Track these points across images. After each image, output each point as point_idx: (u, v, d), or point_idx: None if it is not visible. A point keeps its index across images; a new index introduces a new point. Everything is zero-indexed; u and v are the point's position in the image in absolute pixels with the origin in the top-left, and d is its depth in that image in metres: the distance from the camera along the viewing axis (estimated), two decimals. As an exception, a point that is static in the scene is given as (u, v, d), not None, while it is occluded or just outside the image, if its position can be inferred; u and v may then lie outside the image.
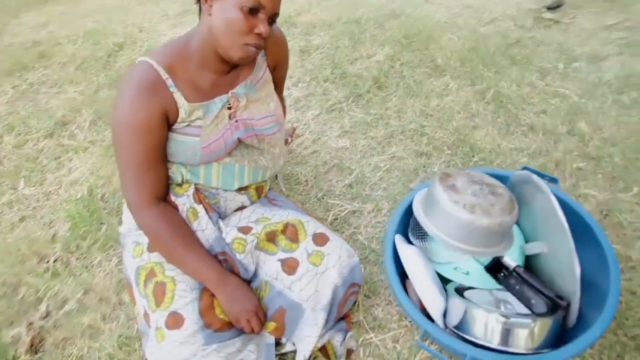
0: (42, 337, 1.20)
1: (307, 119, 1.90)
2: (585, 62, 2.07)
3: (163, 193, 1.00)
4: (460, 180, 0.98)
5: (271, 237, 1.05)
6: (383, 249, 1.32)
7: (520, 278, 0.92)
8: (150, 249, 1.01)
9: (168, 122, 0.93)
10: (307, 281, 0.99)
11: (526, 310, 0.94)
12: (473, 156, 1.61)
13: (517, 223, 1.11)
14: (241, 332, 0.96)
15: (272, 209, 1.14)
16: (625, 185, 1.43)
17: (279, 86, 1.17)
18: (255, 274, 1.04)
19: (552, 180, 1.13)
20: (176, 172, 1.02)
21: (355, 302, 1.16)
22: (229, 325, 0.95)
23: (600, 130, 1.65)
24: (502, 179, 1.10)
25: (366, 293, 1.20)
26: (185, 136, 0.96)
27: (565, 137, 1.64)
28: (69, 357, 1.15)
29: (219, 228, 1.04)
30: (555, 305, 0.88)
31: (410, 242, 1.12)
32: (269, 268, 1.03)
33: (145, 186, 0.95)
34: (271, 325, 1.00)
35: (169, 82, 0.91)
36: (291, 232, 1.06)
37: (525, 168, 1.11)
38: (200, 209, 1.03)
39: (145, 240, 1.03)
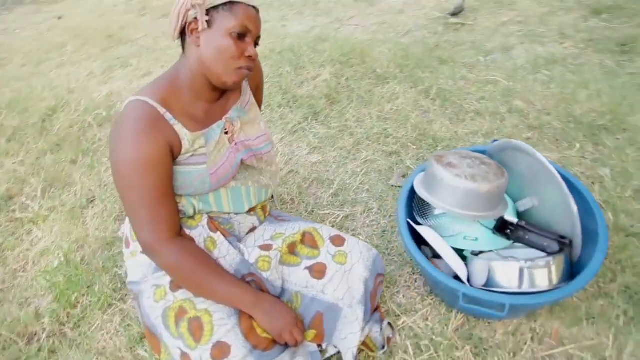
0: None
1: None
2: (500, 53, 2.38)
3: (178, 227, 0.98)
4: (452, 158, 1.09)
5: (292, 249, 1.07)
6: (386, 243, 1.39)
7: (527, 229, 1.04)
8: (174, 286, 0.99)
9: (172, 155, 0.93)
10: (339, 280, 1.02)
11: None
12: (437, 146, 1.76)
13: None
14: (285, 347, 0.96)
15: (282, 224, 1.16)
16: (569, 145, 1.65)
17: (259, 107, 1.21)
18: (282, 289, 1.05)
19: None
20: (187, 205, 1.02)
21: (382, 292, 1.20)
22: (273, 342, 0.95)
23: (534, 105, 1.90)
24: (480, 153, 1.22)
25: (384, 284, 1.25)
26: (191, 166, 0.96)
27: (508, 115, 1.87)
28: None
29: (240, 251, 1.04)
30: (561, 244, 1.00)
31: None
32: (297, 279, 1.04)
33: (161, 223, 0.93)
34: (311, 333, 1.01)
35: (167, 115, 0.91)
36: (309, 240, 1.09)
37: (495, 141, 1.26)
38: (217, 236, 1.02)
39: (165, 281, 1.00)
